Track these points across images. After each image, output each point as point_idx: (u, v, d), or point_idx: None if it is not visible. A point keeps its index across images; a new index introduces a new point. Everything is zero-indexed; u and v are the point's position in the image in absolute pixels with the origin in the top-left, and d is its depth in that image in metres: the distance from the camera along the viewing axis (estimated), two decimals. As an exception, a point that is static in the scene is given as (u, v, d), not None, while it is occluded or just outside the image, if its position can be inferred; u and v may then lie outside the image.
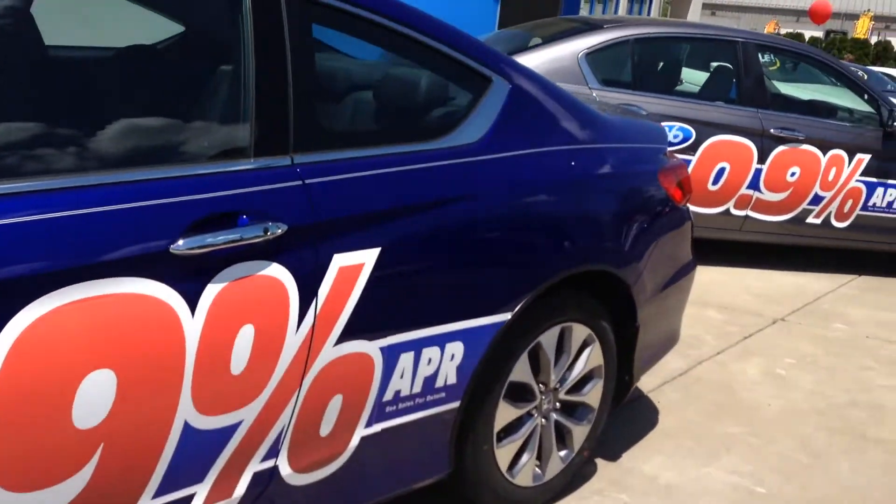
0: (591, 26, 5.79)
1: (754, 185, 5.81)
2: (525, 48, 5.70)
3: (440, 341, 2.17)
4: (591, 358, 2.73)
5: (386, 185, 2.03)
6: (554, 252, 2.42)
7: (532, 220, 2.37)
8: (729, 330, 4.70)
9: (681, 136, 5.57)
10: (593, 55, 5.57)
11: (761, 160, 5.78)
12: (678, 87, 6.01)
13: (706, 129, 5.65)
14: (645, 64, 5.94)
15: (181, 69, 2.00)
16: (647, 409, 3.57)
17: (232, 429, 1.80)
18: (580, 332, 2.65)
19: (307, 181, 1.89)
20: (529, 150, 2.42)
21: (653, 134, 3.04)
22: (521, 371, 2.48)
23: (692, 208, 5.50)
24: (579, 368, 2.70)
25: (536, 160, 2.42)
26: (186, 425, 1.71)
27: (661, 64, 6.23)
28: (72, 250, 1.54)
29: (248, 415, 1.81)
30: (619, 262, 2.66)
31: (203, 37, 2.08)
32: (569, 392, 2.70)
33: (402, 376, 2.11)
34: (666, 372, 3.94)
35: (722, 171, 5.70)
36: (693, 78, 6.13)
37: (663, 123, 5.39)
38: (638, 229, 2.74)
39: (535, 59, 5.47)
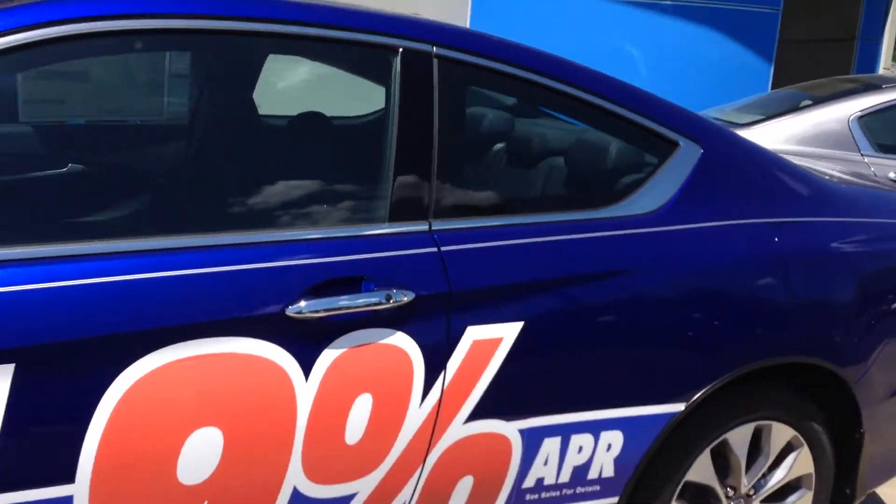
0: (867, 87, 5.23)
1: None
2: (792, 110, 5.26)
3: (594, 428, 1.98)
4: (798, 464, 2.36)
5: (533, 256, 1.90)
6: (743, 339, 2.13)
7: (715, 301, 2.10)
8: None
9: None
10: (868, 118, 5.02)
11: None
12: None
13: None
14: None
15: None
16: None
17: (345, 500, 1.74)
18: (782, 432, 2.31)
19: (443, 248, 1.81)
20: (720, 221, 2.16)
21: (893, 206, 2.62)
22: (700, 471, 2.19)
23: None
24: (780, 475, 2.34)
25: (727, 233, 2.16)
26: (296, 491, 1.67)
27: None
28: (189, 307, 1.57)
29: (363, 487, 1.74)
30: (835, 355, 2.29)
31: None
32: (767, 501, 2.35)
33: (545, 463, 1.94)
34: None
35: None
36: None
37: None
38: (869, 319, 2.35)
39: (801, 123, 5.04)
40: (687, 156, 2.19)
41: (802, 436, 2.34)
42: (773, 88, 8.45)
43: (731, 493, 2.28)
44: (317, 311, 1.63)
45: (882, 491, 3.28)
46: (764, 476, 2.34)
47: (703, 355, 2.08)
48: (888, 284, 2.41)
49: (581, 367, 1.94)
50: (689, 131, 2.22)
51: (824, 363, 2.27)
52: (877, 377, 2.39)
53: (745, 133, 5.03)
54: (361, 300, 1.67)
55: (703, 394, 2.08)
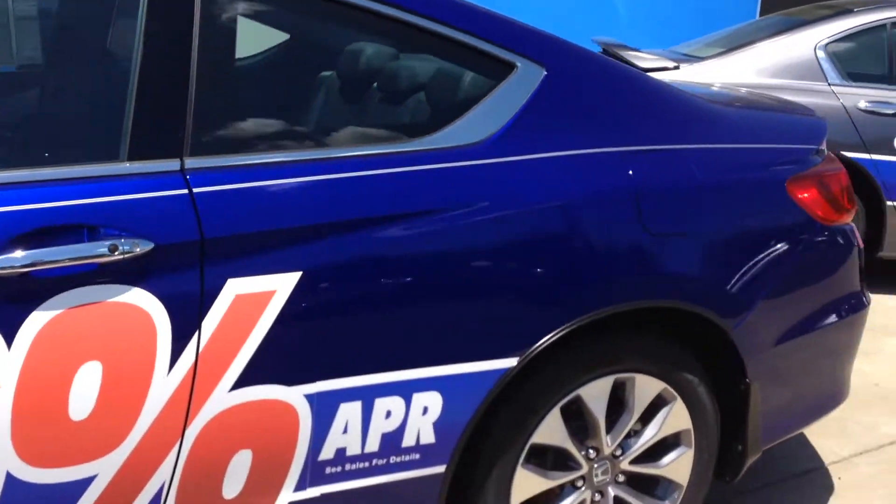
0: (839, 12, 4.85)
1: None
2: (758, 41, 4.89)
3: (403, 390, 1.75)
4: (671, 420, 2.12)
5: (317, 196, 1.66)
6: (584, 284, 1.88)
7: (549, 243, 1.85)
8: None
9: (952, 142, 4.47)
10: (835, 45, 4.65)
11: None
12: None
13: None
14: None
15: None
16: (816, 487, 2.79)
17: (82, 485, 1.53)
18: (649, 385, 2.06)
19: (196, 190, 1.57)
20: (561, 152, 1.90)
21: (795, 131, 2.33)
22: (550, 432, 1.96)
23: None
24: (651, 433, 2.10)
25: (568, 165, 1.89)
26: (10, 477, 1.47)
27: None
28: None
29: (103, 468, 1.53)
30: (704, 299, 2.03)
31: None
32: (636, 462, 2.11)
33: (345, 431, 1.72)
34: (869, 438, 3.08)
35: None
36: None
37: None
38: (747, 258, 2.08)
39: (765, 54, 4.69)
40: (525, 79, 1.92)
41: (675, 388, 2.09)
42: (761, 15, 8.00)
43: (592, 454, 2.04)
44: (14, 267, 1.42)
45: (818, 443, 3.02)
46: (632, 434, 2.10)
47: (536, 304, 1.84)
48: (759, 216, 2.13)
49: (380, 323, 1.71)
50: (530, 51, 1.95)
51: (689, 306, 2.01)
52: (761, 322, 2.13)
53: (707, 67, 4.70)
54: (74, 252, 1.45)
55: (539, 346, 1.85)
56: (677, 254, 1.99)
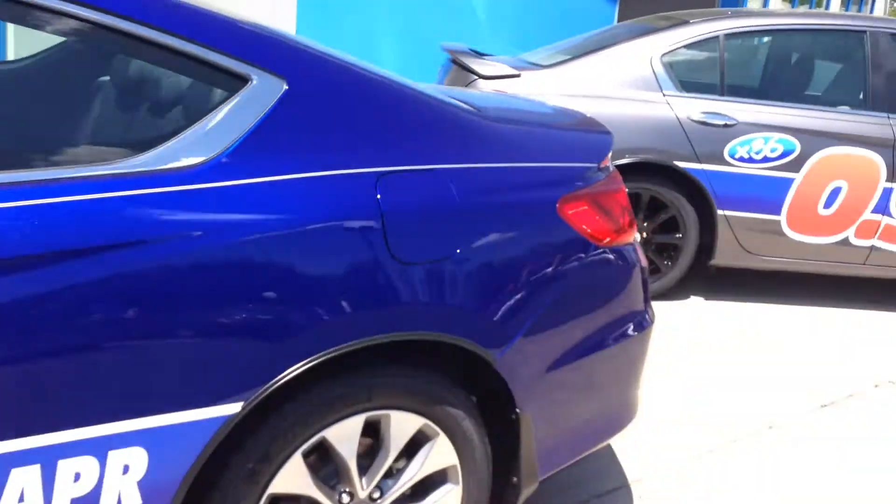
0: (676, 23, 4.88)
1: (883, 208, 4.64)
2: (598, 49, 4.87)
3: (95, 448, 1.55)
4: (434, 457, 2.00)
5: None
6: (324, 317, 1.73)
7: (280, 272, 1.69)
8: (817, 399, 3.66)
9: (780, 150, 4.53)
10: (671, 55, 4.67)
11: (893, 177, 4.60)
12: (780, 90, 4.94)
13: (815, 140, 4.57)
14: (738, 64, 4.94)
15: None
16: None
17: None
18: (405, 422, 1.93)
19: None
20: (299, 174, 1.75)
21: (573, 148, 2.25)
22: (290, 480, 1.80)
23: (798, 237, 4.55)
24: (411, 472, 1.98)
25: (305, 188, 1.74)
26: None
27: (761, 63, 5.16)
28: None
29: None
30: (464, 327, 1.91)
31: None
32: (398, 503, 1.98)
33: (21, 500, 1.51)
34: (687, 451, 3.05)
35: (837, 191, 4.59)
36: (802, 79, 5.02)
37: (759, 135, 4.52)
38: (508, 282, 1.98)
39: (604, 62, 4.66)
40: (262, 93, 1.76)
41: (437, 424, 1.97)
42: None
43: (346, 499, 1.90)
44: None
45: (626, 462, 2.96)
46: (393, 474, 1.97)
47: (263, 343, 1.68)
48: (536, 240, 2.04)
49: (64, 372, 1.51)
50: (268, 62, 1.79)
51: (446, 338, 1.89)
52: (530, 349, 2.03)
53: (548, 75, 4.65)
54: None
55: (269, 388, 1.69)
56: (431, 282, 1.86)
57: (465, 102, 2.22)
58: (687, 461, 3.02)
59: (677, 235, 4.67)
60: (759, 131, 4.54)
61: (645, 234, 4.67)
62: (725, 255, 4.70)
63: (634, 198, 4.63)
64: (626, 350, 2.28)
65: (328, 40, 2.22)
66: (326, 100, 1.83)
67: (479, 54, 5.18)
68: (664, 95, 4.58)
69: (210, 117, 1.71)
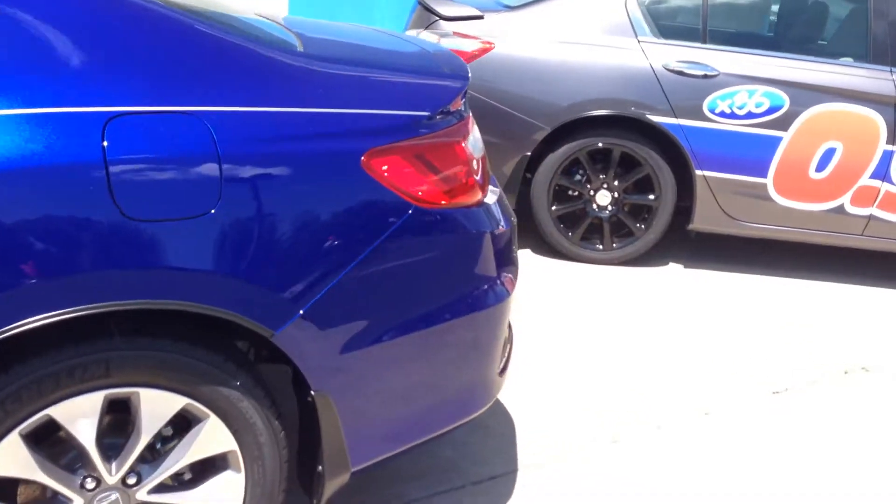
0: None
1: (882, 173, 4.19)
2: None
3: None
4: (206, 441, 1.75)
5: None
6: (24, 279, 1.48)
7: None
8: (797, 378, 3.31)
9: (766, 105, 4.11)
10: (649, -5, 4.25)
11: (895, 139, 4.14)
12: (767, 38, 4.49)
13: (805, 94, 4.13)
14: (722, 7, 4.50)
15: None
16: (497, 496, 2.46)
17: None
18: (162, 401, 1.69)
19: None
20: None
21: (400, 93, 1.93)
22: (8, 463, 1.58)
23: (786, 202, 4.13)
24: (176, 457, 1.74)
25: (11, 126, 1.48)
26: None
27: (749, 7, 4.69)
28: None
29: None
30: (227, 298, 1.65)
31: None
32: (160, 490, 1.75)
33: None
34: (600, 438, 2.76)
35: (831, 153, 4.16)
36: (795, 26, 4.55)
37: (742, 87, 4.09)
38: (286, 244, 1.70)
39: (572, 5, 4.28)
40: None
41: (205, 405, 1.72)
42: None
43: (91, 484, 1.67)
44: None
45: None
46: (152, 458, 1.74)
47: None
48: (327, 198, 1.75)
49: None
50: None
51: (204, 308, 1.63)
52: (321, 323, 1.76)
53: (514, 17, 4.30)
54: None
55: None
56: (176, 244, 1.59)
57: (287, 39, 1.94)
58: (596, 449, 2.73)
59: (651, 196, 4.30)
60: (742, 83, 4.11)
61: (616, 194, 4.31)
62: (705, 219, 4.32)
63: (605, 153, 4.27)
64: (468, 327, 2.00)
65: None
66: (49, 14, 1.55)
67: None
68: (639, 42, 4.18)
69: None
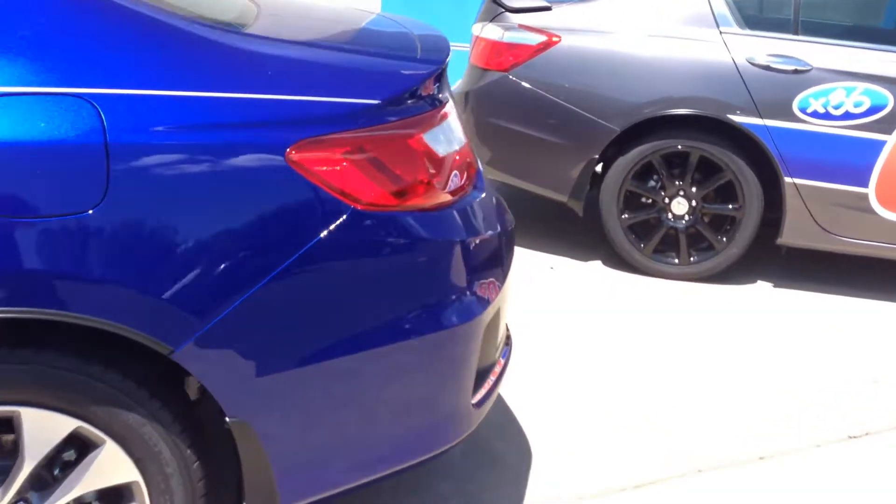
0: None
1: None
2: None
3: None
4: (104, 470, 1.55)
5: None
6: None
7: None
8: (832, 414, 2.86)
9: (867, 104, 3.62)
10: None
11: None
12: (869, 29, 3.97)
13: (917, 93, 3.61)
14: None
15: None
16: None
17: None
18: (48, 423, 1.50)
19: None
20: None
21: (347, 77, 1.68)
22: None
23: (891, 215, 3.61)
24: (69, 486, 1.54)
25: None
26: None
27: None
28: None
29: None
30: (104, 307, 1.44)
31: None
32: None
33: None
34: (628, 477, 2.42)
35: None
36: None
37: (839, 84, 3.60)
38: (187, 248, 1.48)
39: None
40: None
41: (101, 429, 1.52)
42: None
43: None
44: None
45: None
46: (45, 486, 1.55)
47: None
48: (237, 195, 1.52)
49: None
50: None
51: (85, 319, 1.43)
52: (237, 338, 1.53)
53: (582, 10, 3.97)
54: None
55: None
56: (49, 245, 1.40)
57: (236, 17, 1.73)
58: (624, 491, 2.38)
59: (734, 206, 3.87)
60: (839, 79, 3.63)
61: (694, 203, 3.90)
62: (796, 233, 3.85)
63: (681, 157, 3.87)
64: (421, 349, 1.72)
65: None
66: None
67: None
68: (721, 33, 3.77)
69: None
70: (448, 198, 1.74)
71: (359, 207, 1.59)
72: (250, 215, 1.52)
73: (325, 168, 1.56)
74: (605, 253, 4.14)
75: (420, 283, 1.70)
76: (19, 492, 1.52)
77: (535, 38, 3.94)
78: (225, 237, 1.51)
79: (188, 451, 1.59)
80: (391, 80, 1.71)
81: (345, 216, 1.57)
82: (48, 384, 1.47)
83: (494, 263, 1.89)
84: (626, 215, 3.96)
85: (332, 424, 1.68)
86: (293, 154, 1.53)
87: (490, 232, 1.88)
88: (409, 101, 1.71)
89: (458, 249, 1.74)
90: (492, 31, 4.07)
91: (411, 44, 1.94)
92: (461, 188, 1.80)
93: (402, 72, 1.76)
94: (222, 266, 1.50)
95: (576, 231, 4.41)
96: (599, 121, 3.85)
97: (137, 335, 1.46)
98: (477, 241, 1.80)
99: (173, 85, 1.49)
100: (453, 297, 1.75)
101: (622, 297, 3.77)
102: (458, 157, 1.82)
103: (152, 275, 1.45)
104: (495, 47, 4.04)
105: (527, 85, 3.94)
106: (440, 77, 1.85)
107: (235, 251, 1.51)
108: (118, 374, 1.52)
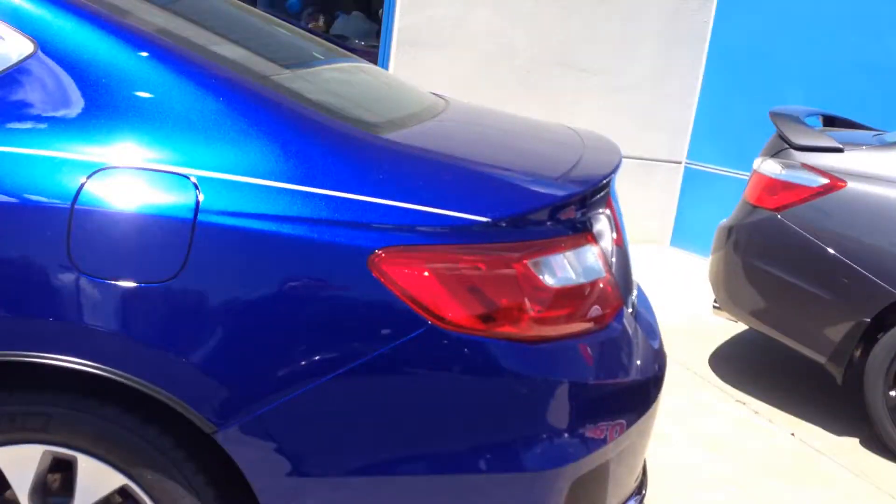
0: None
1: None
2: None
3: None
4: (142, 533, 1.56)
5: None
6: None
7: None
8: None
9: None
10: None
11: None
12: None
13: None
14: None
15: None
16: None
17: None
18: (98, 474, 1.55)
19: None
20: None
21: (459, 187, 1.58)
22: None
23: None
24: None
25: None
26: None
27: None
28: None
29: None
30: (161, 375, 1.46)
31: None
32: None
33: None
34: None
35: None
36: None
37: None
38: (258, 331, 1.47)
39: None
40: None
41: (146, 491, 1.54)
42: None
43: (28, 539, 1.58)
44: None
45: None
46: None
47: None
48: (310, 291, 1.48)
49: None
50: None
51: (137, 382, 1.47)
52: (282, 432, 1.48)
53: (880, 157, 3.51)
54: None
55: None
56: (120, 306, 1.46)
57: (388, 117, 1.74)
58: None
59: None
60: None
61: None
62: None
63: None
64: (487, 487, 1.54)
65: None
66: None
67: (832, 120, 4.16)
68: None
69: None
70: (554, 331, 1.57)
71: (438, 325, 1.48)
72: (321, 312, 1.48)
73: (408, 279, 1.48)
74: (861, 430, 3.54)
75: (502, 414, 1.54)
76: (65, 531, 1.58)
77: (817, 180, 3.54)
78: (292, 328, 1.47)
79: (229, 536, 1.56)
80: (511, 199, 1.59)
81: (421, 331, 1.48)
82: (104, 436, 1.52)
83: (606, 413, 1.66)
84: (894, 393, 3.36)
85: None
86: (376, 259, 1.47)
87: (613, 375, 1.66)
88: (529, 224, 1.58)
89: (565, 387, 1.56)
90: (770, 167, 3.74)
91: (566, 164, 1.81)
92: (575, 321, 1.61)
93: (530, 192, 1.63)
94: (282, 356, 1.47)
95: (828, 399, 3.84)
96: (878, 281, 3.34)
97: (185, 408, 1.47)
98: (589, 383, 1.60)
99: (271, 175, 1.50)
100: (547, 436, 1.55)
101: (872, 488, 3.18)
102: (584, 291, 1.64)
103: (210, 352, 1.46)
104: (770, 184, 3.70)
105: (796, 228, 3.54)
106: (585, 202, 1.69)
107: (299, 344, 1.47)
108: (170, 440, 1.53)
